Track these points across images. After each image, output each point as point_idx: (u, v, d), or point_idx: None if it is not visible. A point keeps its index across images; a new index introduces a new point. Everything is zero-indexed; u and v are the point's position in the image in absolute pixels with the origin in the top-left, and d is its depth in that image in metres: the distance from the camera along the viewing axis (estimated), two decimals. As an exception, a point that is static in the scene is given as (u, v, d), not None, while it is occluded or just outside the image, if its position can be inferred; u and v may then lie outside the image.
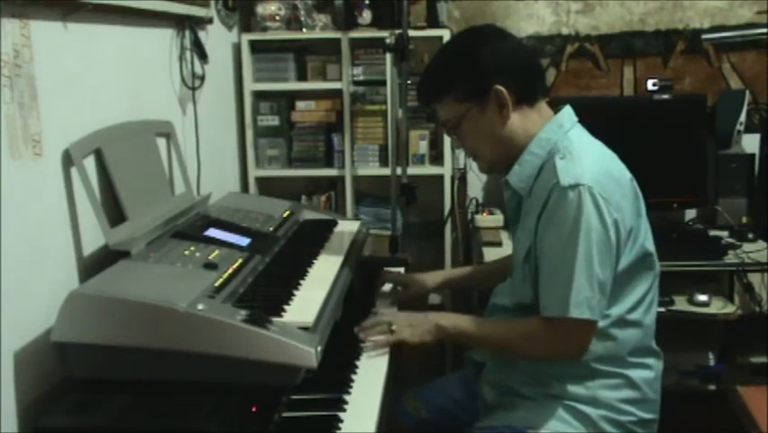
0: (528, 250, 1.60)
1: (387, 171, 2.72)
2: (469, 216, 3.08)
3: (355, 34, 2.87)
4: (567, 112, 1.66)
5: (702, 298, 2.70)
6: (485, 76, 1.60)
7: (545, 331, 1.54)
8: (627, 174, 1.61)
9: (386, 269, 2.16)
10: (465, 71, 1.62)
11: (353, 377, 1.59)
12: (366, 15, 2.86)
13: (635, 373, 1.61)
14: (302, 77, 2.99)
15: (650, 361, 1.65)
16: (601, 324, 1.55)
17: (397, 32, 2.45)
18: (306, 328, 1.42)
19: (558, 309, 1.50)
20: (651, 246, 1.62)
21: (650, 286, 1.62)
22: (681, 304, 2.69)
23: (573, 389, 1.60)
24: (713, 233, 2.84)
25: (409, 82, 2.55)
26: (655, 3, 3.06)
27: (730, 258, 2.60)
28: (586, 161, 1.55)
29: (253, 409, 1.36)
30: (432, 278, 2.07)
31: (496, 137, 1.63)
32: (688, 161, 2.87)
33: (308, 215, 2.37)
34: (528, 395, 1.64)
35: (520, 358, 1.65)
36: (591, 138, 1.66)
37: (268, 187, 3.05)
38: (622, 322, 1.58)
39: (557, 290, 1.50)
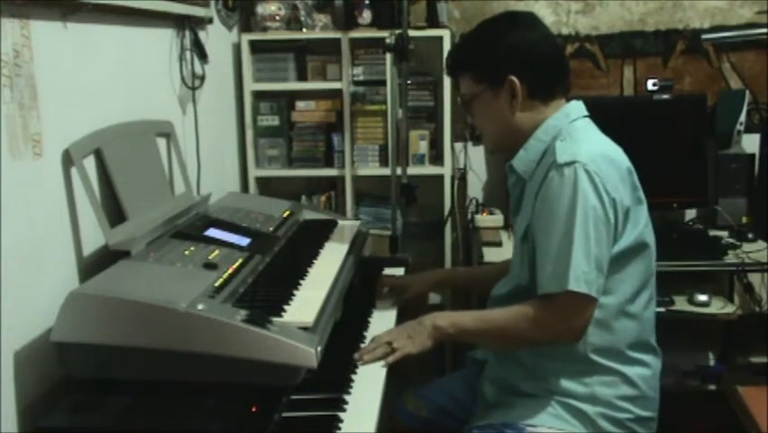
0: (526, 229, 1.61)
1: (387, 171, 2.72)
2: (469, 216, 3.08)
3: (355, 34, 2.87)
4: (575, 104, 1.68)
5: (702, 298, 2.70)
6: (502, 64, 1.62)
7: (544, 309, 1.53)
8: (627, 163, 1.62)
9: (384, 274, 2.16)
10: (485, 55, 1.65)
11: (353, 377, 1.59)
12: (366, 15, 2.86)
13: (633, 371, 1.61)
14: (302, 77, 2.99)
15: (648, 358, 1.65)
16: (600, 314, 1.55)
17: (397, 32, 2.45)
18: (306, 328, 1.42)
19: (556, 285, 1.50)
20: (650, 239, 1.62)
21: (647, 279, 1.63)
22: (681, 304, 2.69)
23: (571, 385, 1.60)
24: (713, 233, 2.84)
25: (409, 82, 2.55)
26: (655, 3, 3.06)
27: (730, 258, 2.60)
28: (584, 143, 1.57)
29: (253, 410, 1.35)
30: (429, 278, 2.07)
31: (502, 123, 1.66)
32: (688, 161, 2.87)
33: (308, 215, 2.36)
34: (527, 390, 1.64)
35: (521, 345, 1.63)
36: (597, 130, 1.67)
37: (268, 187, 3.05)
38: (620, 313, 1.59)
39: (554, 266, 1.50)
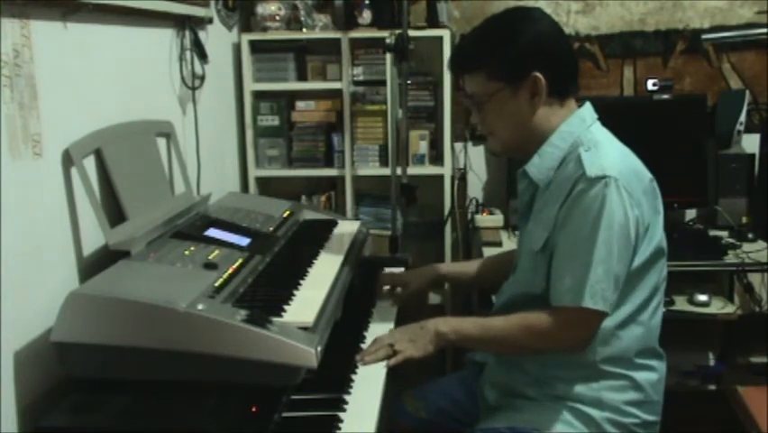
0: (546, 240, 1.57)
1: (387, 171, 2.72)
2: (469, 216, 3.08)
3: (355, 34, 2.87)
4: (588, 108, 1.66)
5: (702, 298, 2.70)
6: (526, 60, 1.57)
7: (552, 321, 1.53)
8: (649, 175, 1.60)
9: (384, 271, 2.16)
10: (506, 50, 1.59)
11: (353, 377, 1.59)
12: (366, 15, 2.86)
13: (640, 375, 1.60)
14: (302, 77, 2.99)
15: (654, 363, 1.64)
16: (609, 324, 1.55)
17: (397, 32, 2.45)
18: (306, 328, 1.42)
19: (571, 299, 1.49)
20: (665, 244, 1.62)
21: (657, 287, 1.62)
22: (681, 304, 2.69)
23: (578, 390, 1.59)
24: (713, 233, 2.84)
25: (409, 82, 2.55)
26: (655, 3, 3.06)
27: (730, 258, 2.60)
28: (611, 154, 1.55)
29: (253, 410, 1.36)
30: (428, 272, 2.06)
31: (519, 123, 1.61)
32: (688, 161, 2.87)
33: (308, 215, 2.36)
34: (532, 396, 1.63)
35: (525, 353, 1.63)
36: (611, 135, 1.65)
37: (268, 187, 3.05)
38: (629, 322, 1.58)
39: (572, 279, 1.49)
